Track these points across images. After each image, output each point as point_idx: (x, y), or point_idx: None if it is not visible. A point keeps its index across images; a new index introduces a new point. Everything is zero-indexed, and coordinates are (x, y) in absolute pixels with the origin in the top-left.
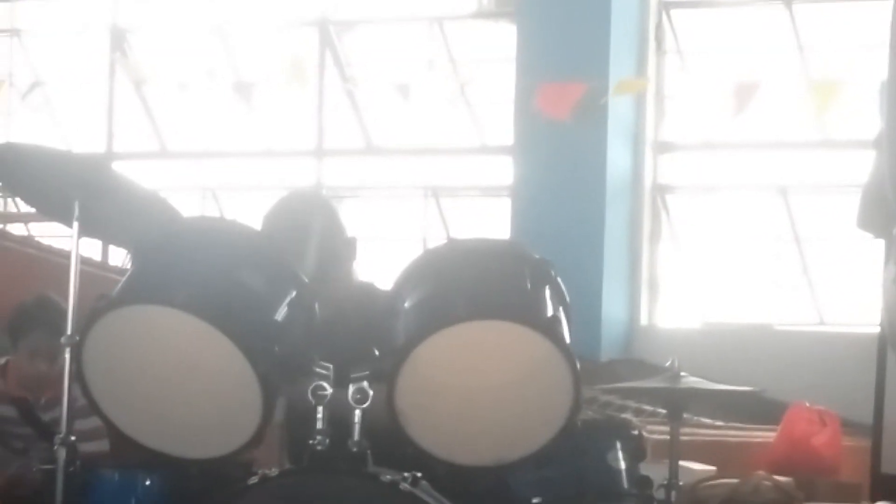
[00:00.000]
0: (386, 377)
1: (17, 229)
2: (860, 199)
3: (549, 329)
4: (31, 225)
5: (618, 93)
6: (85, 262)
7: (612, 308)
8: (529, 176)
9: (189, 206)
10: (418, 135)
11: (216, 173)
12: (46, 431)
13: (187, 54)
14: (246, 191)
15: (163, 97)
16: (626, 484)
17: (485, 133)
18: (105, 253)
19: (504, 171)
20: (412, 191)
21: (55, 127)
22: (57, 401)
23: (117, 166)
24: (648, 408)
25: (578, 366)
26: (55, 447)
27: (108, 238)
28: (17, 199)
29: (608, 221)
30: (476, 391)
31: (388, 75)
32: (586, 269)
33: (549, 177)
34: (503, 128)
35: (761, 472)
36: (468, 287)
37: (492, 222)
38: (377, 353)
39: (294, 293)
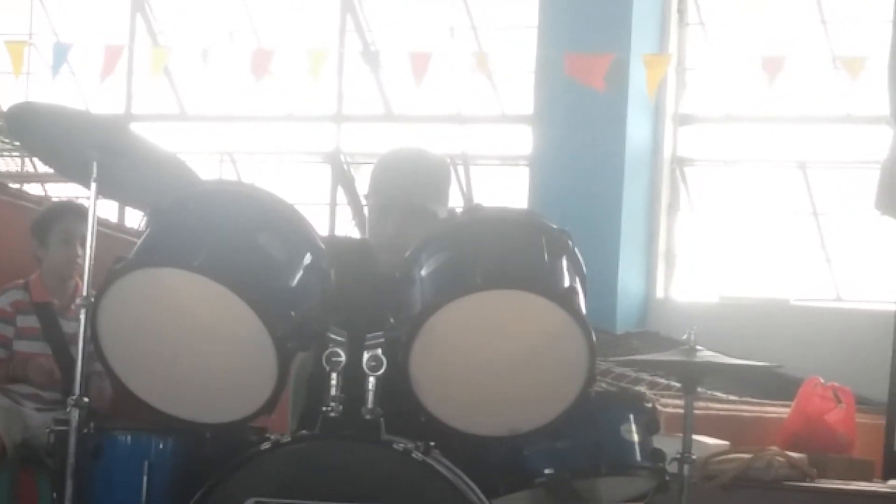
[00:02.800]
0: (401, 345)
1: (34, 189)
2: (878, 181)
3: (566, 300)
4: (49, 185)
5: (652, 75)
6: (102, 223)
7: (629, 280)
8: (549, 145)
9: (207, 169)
10: (438, 102)
11: (235, 137)
12: (63, 350)
13: (208, 16)
14: (264, 155)
15: (183, 60)
16: (639, 456)
17: (505, 102)
18: (122, 215)
19: (524, 140)
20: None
21: (75, 88)
22: (78, 313)
23: (136, 128)
24: (663, 381)
25: (594, 337)
26: (67, 408)
27: (125, 200)
28: (35, 160)
29: (626, 193)
30: (491, 361)
31: (409, 42)
32: (603, 241)
33: (569, 147)
34: (523, 97)
35: (774, 448)
36: (485, 256)
37: (511, 191)
38: (392, 320)
39: (310, 258)
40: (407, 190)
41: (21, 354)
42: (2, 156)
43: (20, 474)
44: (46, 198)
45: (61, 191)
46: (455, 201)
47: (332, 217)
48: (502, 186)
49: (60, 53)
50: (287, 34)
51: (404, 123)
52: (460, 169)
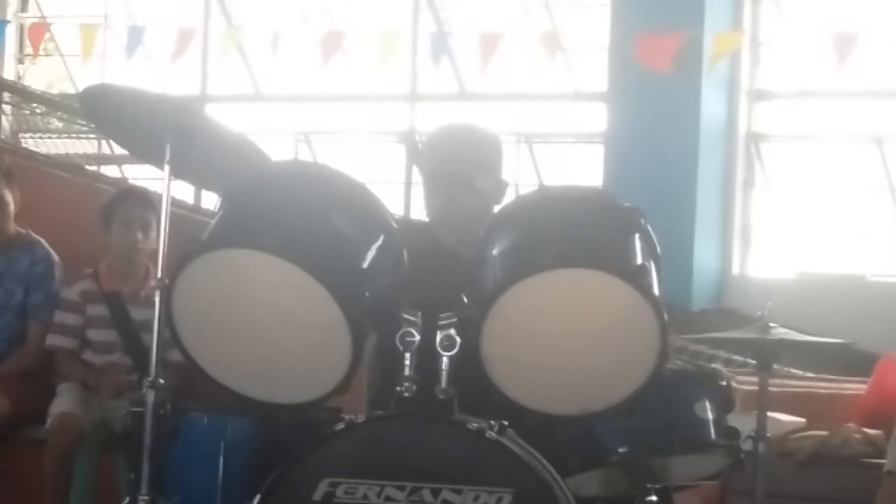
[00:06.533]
0: (473, 325)
1: (111, 171)
2: None
3: (636, 278)
4: (126, 167)
5: (718, 52)
6: (177, 204)
7: (704, 257)
8: (623, 123)
9: (282, 150)
10: (511, 81)
11: (309, 118)
12: (133, 339)
13: None
14: (339, 135)
15: (257, 41)
16: (713, 434)
17: (578, 80)
18: (198, 196)
19: (598, 117)
20: (505, 137)
21: (150, 70)
22: (149, 300)
23: (209, 109)
24: (738, 358)
25: (665, 315)
26: (143, 390)
27: (198, 181)
28: (111, 141)
29: (701, 169)
30: (562, 339)
31: (483, 20)
32: (679, 217)
33: (643, 124)
34: (597, 74)
35: (851, 425)
36: (555, 235)
37: (585, 169)
38: (465, 300)
39: (383, 238)
40: (453, 163)
41: (94, 369)
42: (78, 138)
43: (99, 457)
44: (123, 180)
45: (138, 172)
46: (528, 180)
47: (406, 196)
48: (576, 164)
49: (135, 36)
50: (360, 14)
51: (478, 101)
52: (533, 147)
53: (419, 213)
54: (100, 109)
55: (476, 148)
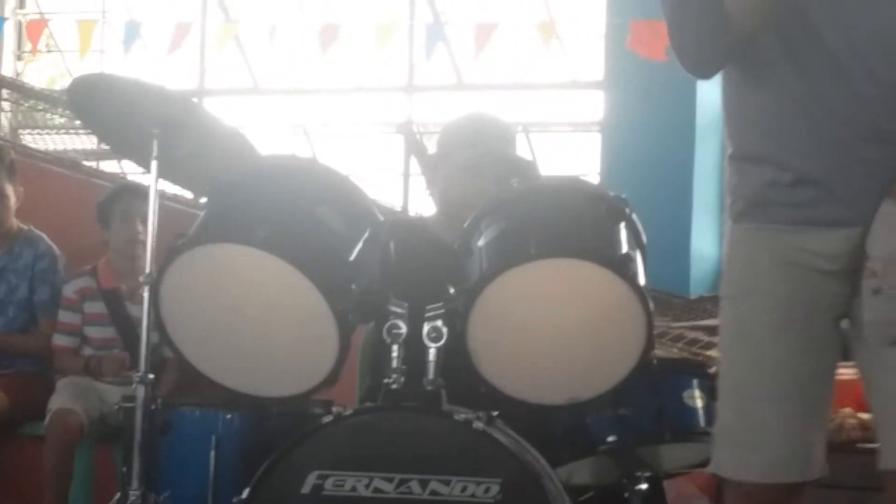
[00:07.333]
0: (459, 315)
1: (110, 167)
2: None
3: (621, 267)
4: (125, 162)
5: None
6: (168, 198)
7: (702, 244)
8: (620, 111)
9: (280, 142)
10: (508, 70)
11: (308, 110)
12: (131, 335)
13: None
14: (337, 127)
15: (254, 34)
16: (703, 422)
17: (575, 68)
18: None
19: (595, 106)
20: None
21: (149, 64)
22: None
23: (207, 103)
24: None
25: (651, 304)
26: (133, 385)
27: (185, 181)
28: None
29: (698, 157)
30: (549, 329)
31: (479, 10)
32: (676, 205)
33: (640, 112)
34: (594, 62)
35: (847, 410)
36: (541, 225)
37: (582, 158)
38: (451, 291)
39: (369, 231)
40: (498, 146)
41: (94, 355)
42: (78, 134)
43: (97, 452)
44: (121, 176)
45: (136, 168)
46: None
47: (405, 187)
48: (574, 153)
49: (132, 30)
50: (356, 6)
51: (475, 91)
52: (531, 136)
53: (418, 204)
54: (89, 102)
55: (510, 134)
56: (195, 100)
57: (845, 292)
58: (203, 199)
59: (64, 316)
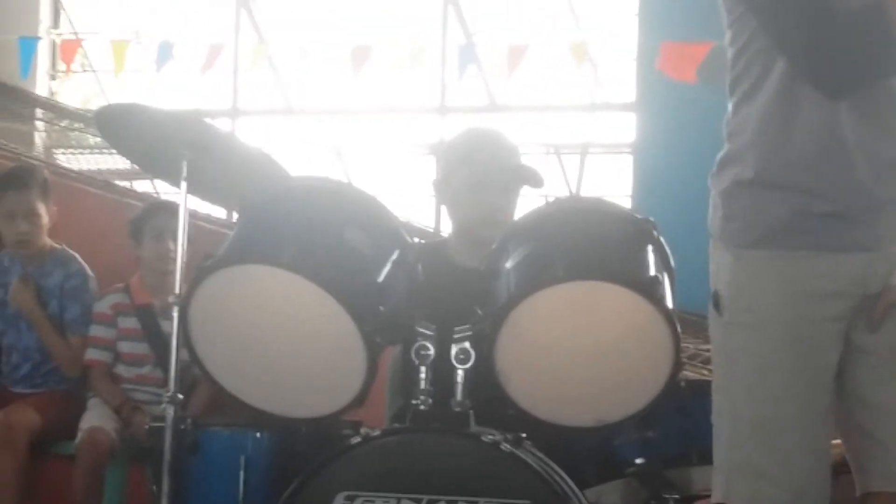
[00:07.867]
0: (487, 337)
1: (143, 186)
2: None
3: (649, 290)
4: (158, 182)
5: None
6: (199, 217)
7: None
8: (652, 133)
9: (313, 163)
10: (540, 91)
11: (341, 131)
12: (164, 351)
13: (311, 11)
14: (369, 148)
15: (287, 55)
16: None
17: (607, 90)
18: (229, 211)
19: (627, 128)
20: (534, 147)
21: (182, 84)
22: None
23: (241, 123)
24: None
25: (679, 327)
26: (162, 405)
27: (215, 198)
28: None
29: None
30: (576, 351)
31: (510, 31)
32: (707, 227)
33: (672, 134)
34: (626, 84)
35: None
36: (569, 247)
37: (614, 180)
38: (479, 312)
39: (397, 253)
40: (503, 159)
41: (128, 401)
42: (111, 154)
43: (129, 471)
44: (153, 195)
45: (169, 188)
46: (558, 190)
47: (437, 208)
48: (606, 175)
49: (165, 51)
50: (388, 27)
51: (507, 113)
52: (562, 158)
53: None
54: (116, 128)
55: (503, 142)
56: (226, 121)
57: (851, 316)
58: (235, 217)
59: (97, 331)
